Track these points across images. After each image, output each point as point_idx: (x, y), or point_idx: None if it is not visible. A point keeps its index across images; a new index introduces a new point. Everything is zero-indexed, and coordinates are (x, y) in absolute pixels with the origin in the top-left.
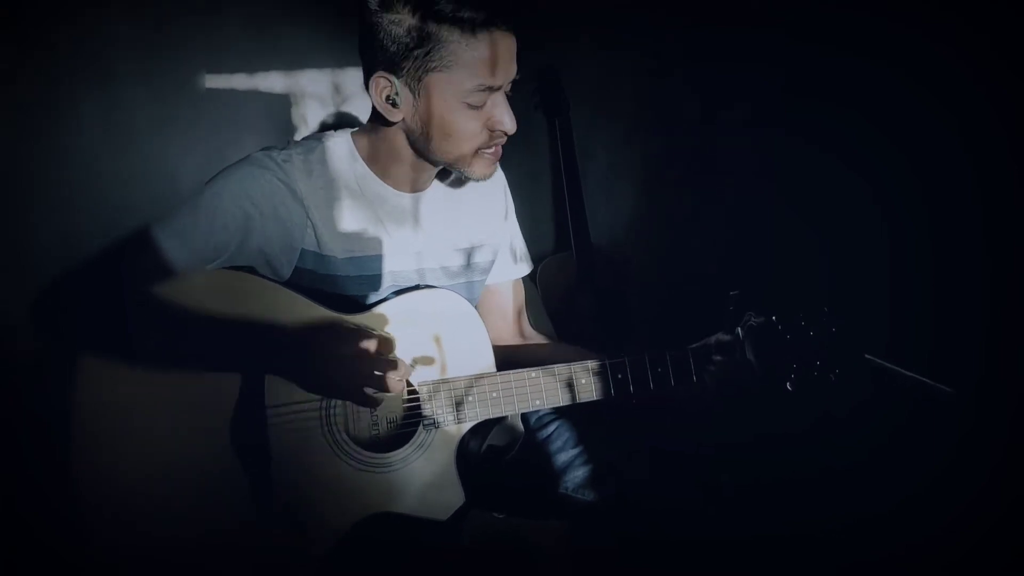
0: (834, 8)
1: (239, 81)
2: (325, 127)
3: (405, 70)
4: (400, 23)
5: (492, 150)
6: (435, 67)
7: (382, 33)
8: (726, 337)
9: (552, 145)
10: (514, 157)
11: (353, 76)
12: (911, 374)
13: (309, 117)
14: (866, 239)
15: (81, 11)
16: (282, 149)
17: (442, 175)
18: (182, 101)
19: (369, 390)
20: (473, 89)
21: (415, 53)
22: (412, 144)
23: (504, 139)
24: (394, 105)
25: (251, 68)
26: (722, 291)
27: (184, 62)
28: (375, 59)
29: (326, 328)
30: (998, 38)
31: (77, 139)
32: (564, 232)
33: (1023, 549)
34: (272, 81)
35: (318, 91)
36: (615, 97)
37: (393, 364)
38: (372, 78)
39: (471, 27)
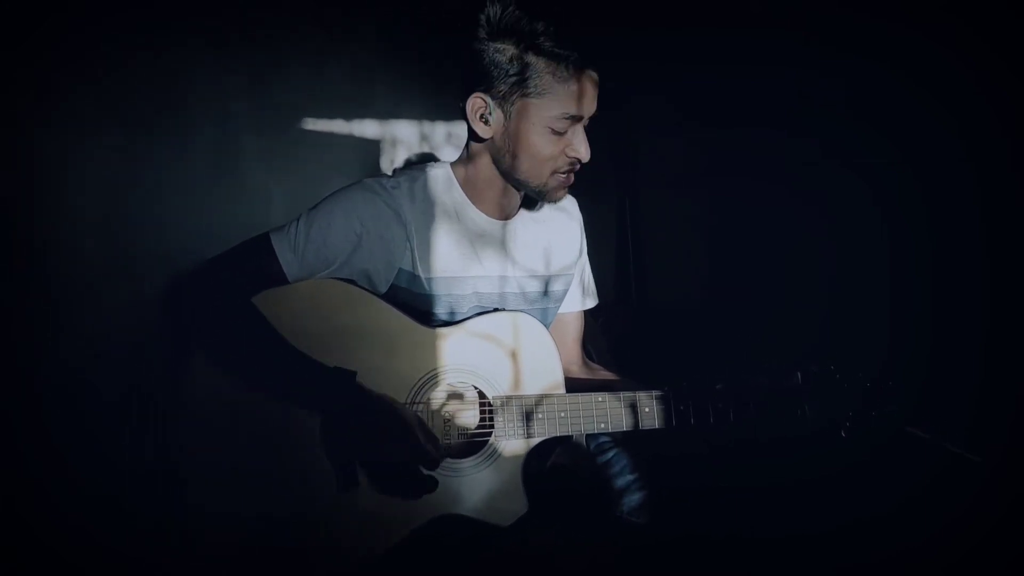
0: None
1: (337, 125)
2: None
3: (501, 93)
4: (504, 52)
5: (565, 175)
6: (530, 93)
7: (486, 59)
8: (787, 382)
9: (620, 215)
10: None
11: (440, 128)
12: (950, 446)
13: (397, 162)
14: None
15: (203, 55)
16: (390, 176)
17: (526, 205)
18: (283, 139)
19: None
20: (559, 116)
21: (512, 79)
22: (497, 164)
23: (577, 166)
24: (485, 123)
25: (348, 114)
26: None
27: (288, 105)
28: (474, 81)
29: (397, 414)
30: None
31: (191, 166)
32: (625, 286)
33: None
34: (366, 127)
35: (407, 139)
36: (685, 173)
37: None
38: (469, 97)
39: (565, 63)
